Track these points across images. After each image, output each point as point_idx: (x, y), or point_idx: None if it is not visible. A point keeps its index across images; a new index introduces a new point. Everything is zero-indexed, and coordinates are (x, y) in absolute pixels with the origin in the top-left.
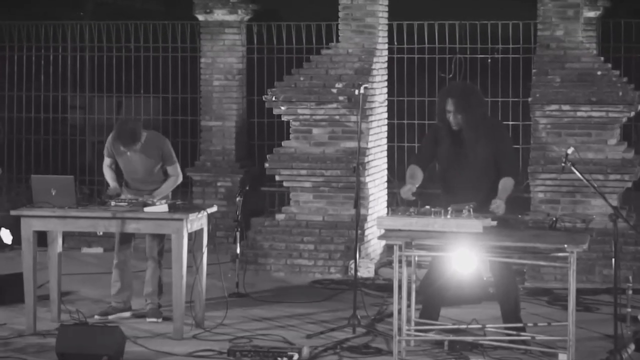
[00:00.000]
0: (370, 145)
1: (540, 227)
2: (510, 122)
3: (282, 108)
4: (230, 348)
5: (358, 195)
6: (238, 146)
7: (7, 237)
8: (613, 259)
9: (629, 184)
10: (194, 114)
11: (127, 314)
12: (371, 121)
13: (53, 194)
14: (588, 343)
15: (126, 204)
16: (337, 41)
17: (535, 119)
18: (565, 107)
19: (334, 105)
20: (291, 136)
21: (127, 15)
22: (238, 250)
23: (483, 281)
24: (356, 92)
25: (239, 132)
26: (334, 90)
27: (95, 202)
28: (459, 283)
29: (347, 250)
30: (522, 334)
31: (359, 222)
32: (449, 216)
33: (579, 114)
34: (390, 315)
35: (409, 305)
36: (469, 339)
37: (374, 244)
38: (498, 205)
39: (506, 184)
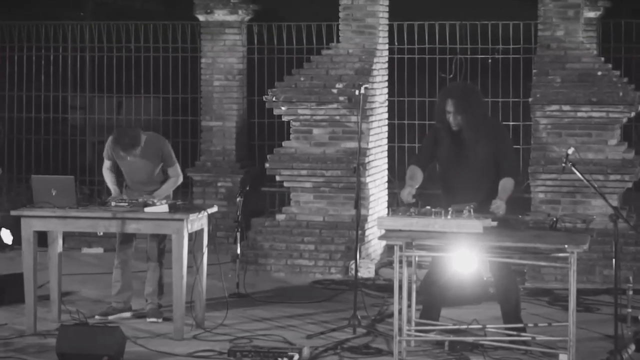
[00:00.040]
0: (370, 145)
1: (541, 228)
2: (511, 123)
3: (283, 108)
4: (230, 348)
5: (358, 196)
6: (238, 146)
7: (7, 237)
8: (613, 260)
9: (629, 185)
10: (195, 114)
11: (128, 314)
12: (371, 121)
13: (53, 194)
14: (588, 343)
15: (126, 204)
16: (338, 41)
17: (536, 119)
18: (566, 108)
19: (335, 105)
20: (291, 136)
21: (127, 16)
22: (238, 251)
23: (483, 281)
24: (356, 92)
25: (239, 133)
26: (335, 91)
27: (95, 202)
28: (460, 283)
29: (348, 251)
30: (523, 334)
31: (359, 222)
32: (449, 216)
33: (579, 114)
34: (391, 315)
35: (409, 306)
36: (470, 339)
37: (375, 244)
38: (498, 205)
39: (506, 185)
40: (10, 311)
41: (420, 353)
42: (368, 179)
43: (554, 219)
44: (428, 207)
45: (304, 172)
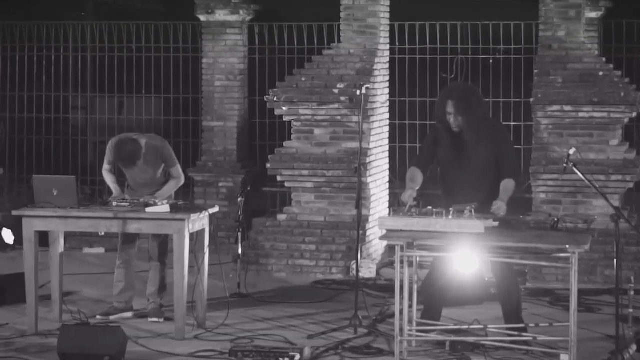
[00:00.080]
0: (371, 145)
1: (542, 228)
2: (512, 123)
3: (284, 108)
4: (231, 348)
5: (359, 196)
6: (240, 146)
7: (8, 237)
8: (615, 260)
9: (631, 185)
10: (196, 115)
11: (129, 314)
12: (373, 122)
13: (55, 194)
14: (590, 344)
15: (128, 204)
16: (339, 42)
17: (537, 120)
18: (567, 108)
19: (336, 105)
20: (293, 136)
21: (128, 16)
22: (240, 251)
23: (485, 282)
24: (358, 92)
25: (240, 133)
26: (336, 91)
27: (97, 202)
28: (461, 283)
29: (349, 251)
30: (524, 334)
31: (360, 222)
32: (450, 217)
33: (580, 114)
34: (392, 315)
35: (410, 306)
36: (471, 339)
37: (376, 245)
38: (499, 206)
39: (507, 186)
40: (12, 311)
41: (422, 353)
42: (369, 179)
43: (556, 219)
44: (429, 208)
45: (305, 172)
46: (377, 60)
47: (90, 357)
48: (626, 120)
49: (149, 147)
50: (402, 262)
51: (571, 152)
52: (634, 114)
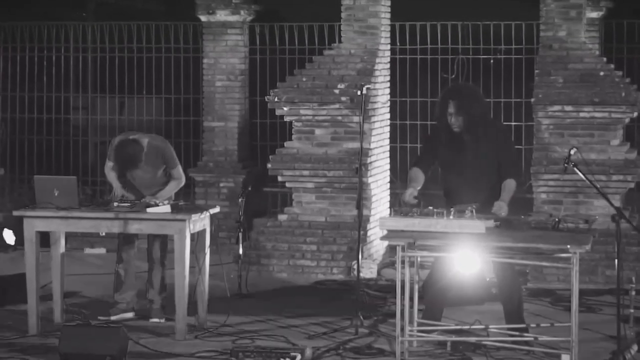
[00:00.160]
0: (372, 146)
1: (543, 228)
2: (513, 123)
3: (285, 109)
4: (232, 348)
5: (360, 196)
6: (240, 147)
7: (10, 237)
8: (616, 260)
9: (632, 185)
10: (197, 115)
11: (130, 314)
12: (374, 122)
13: (56, 194)
14: (591, 344)
15: (129, 204)
16: (340, 42)
17: (538, 120)
18: (568, 108)
19: (337, 105)
20: (293, 137)
21: (128, 16)
22: (240, 251)
23: (486, 282)
24: (359, 92)
25: (241, 133)
26: (337, 91)
27: (97, 202)
28: (462, 284)
29: (350, 251)
30: (525, 334)
31: (361, 222)
32: (451, 217)
33: (581, 114)
34: (393, 316)
35: (411, 306)
36: (472, 339)
37: (377, 245)
38: (500, 207)
39: (509, 186)
40: (13, 311)
41: (423, 353)
42: (370, 180)
43: (557, 220)
44: (430, 208)
45: (306, 172)
46: (377, 60)
47: (92, 358)
48: (627, 120)
49: (151, 147)
50: (403, 262)
51: (572, 152)
52: (635, 114)
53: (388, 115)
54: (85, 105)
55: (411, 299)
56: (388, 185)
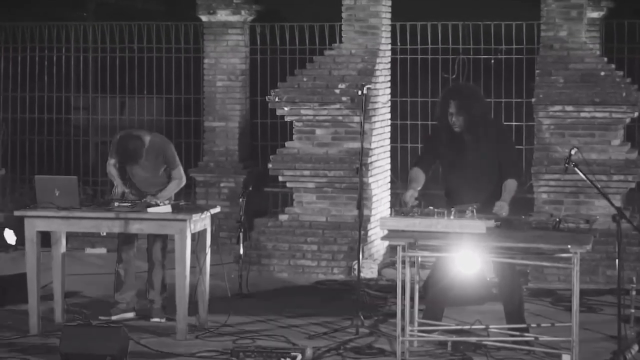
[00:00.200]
0: (373, 146)
1: (544, 228)
2: (514, 123)
3: (285, 109)
4: (233, 348)
5: (361, 196)
6: (241, 147)
7: (10, 237)
8: (617, 260)
9: (633, 185)
10: (197, 115)
11: (131, 314)
12: (374, 122)
13: (56, 194)
14: (591, 344)
15: (129, 204)
16: (340, 42)
17: (539, 120)
18: (569, 108)
19: (337, 105)
20: (294, 137)
21: (128, 16)
22: (241, 251)
23: (486, 282)
24: (359, 92)
25: (242, 133)
26: (337, 91)
27: (98, 202)
28: (463, 283)
29: (351, 251)
30: (526, 334)
31: (362, 222)
32: (452, 217)
33: (582, 114)
34: (394, 315)
35: (412, 306)
36: (473, 339)
37: (377, 245)
38: (501, 207)
39: (509, 186)
40: (14, 311)
41: (423, 353)
42: (371, 180)
43: (557, 220)
44: (431, 208)
45: (306, 172)
46: (378, 60)
47: (92, 358)
48: (628, 120)
49: (152, 144)
50: (403, 262)
51: (573, 152)
52: (636, 114)
53: (389, 115)
54: (85, 105)
55: (412, 299)
56: (389, 185)
